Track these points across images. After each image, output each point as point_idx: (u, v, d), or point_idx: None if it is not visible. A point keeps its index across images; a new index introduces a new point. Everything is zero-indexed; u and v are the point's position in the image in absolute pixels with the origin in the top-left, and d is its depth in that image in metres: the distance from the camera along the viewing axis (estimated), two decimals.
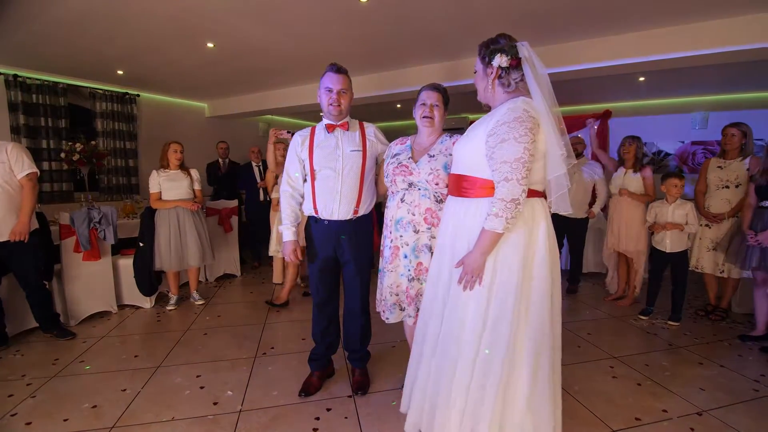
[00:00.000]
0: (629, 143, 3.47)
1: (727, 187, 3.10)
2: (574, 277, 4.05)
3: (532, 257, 1.47)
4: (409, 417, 1.70)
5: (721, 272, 3.16)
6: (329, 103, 1.97)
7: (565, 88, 4.93)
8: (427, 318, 1.68)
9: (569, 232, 3.90)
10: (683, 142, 5.97)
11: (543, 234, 1.47)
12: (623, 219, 3.48)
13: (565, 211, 1.55)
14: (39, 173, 2.80)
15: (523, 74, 1.50)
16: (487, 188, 1.48)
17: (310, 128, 2.09)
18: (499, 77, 1.53)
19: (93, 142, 4.27)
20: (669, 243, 3.13)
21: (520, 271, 1.44)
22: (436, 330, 1.61)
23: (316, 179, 2.01)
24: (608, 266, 3.90)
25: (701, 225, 3.22)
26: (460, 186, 1.58)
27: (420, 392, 1.66)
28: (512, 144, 1.37)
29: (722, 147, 3.18)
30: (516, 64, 1.49)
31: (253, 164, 5.03)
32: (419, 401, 1.66)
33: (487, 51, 1.53)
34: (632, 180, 3.44)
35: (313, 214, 2.05)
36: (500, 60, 1.49)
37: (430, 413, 1.57)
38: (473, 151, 1.50)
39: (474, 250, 1.45)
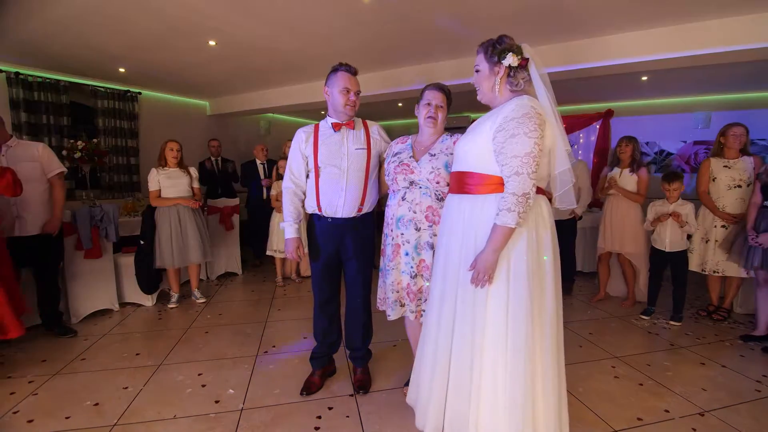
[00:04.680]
0: (626, 143, 3.46)
1: (740, 186, 3.08)
2: (568, 276, 4.02)
3: (542, 254, 1.49)
4: (427, 421, 1.67)
5: (714, 272, 3.14)
6: (346, 103, 1.97)
7: (567, 88, 4.92)
8: (436, 319, 1.65)
9: (558, 233, 3.85)
10: (685, 142, 5.96)
11: (551, 232, 1.52)
12: (621, 220, 3.46)
13: (570, 205, 1.60)
14: (65, 171, 2.98)
15: (528, 74, 1.53)
16: (492, 184, 1.48)
17: (313, 125, 2.09)
18: (508, 76, 1.54)
19: (95, 140, 4.26)
20: (668, 242, 3.13)
21: (533, 270, 1.45)
22: (448, 329, 1.58)
23: (320, 177, 2.00)
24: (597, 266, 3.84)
25: (715, 226, 3.15)
26: (462, 183, 1.57)
27: (438, 394, 1.62)
28: (522, 139, 1.39)
29: (728, 146, 3.15)
30: (525, 64, 1.52)
31: (258, 162, 5.02)
32: (433, 402, 1.64)
33: (496, 50, 1.52)
34: (628, 180, 3.43)
35: (317, 212, 2.05)
36: (511, 59, 1.49)
37: (460, 413, 1.54)
38: (478, 147, 1.51)
39: (486, 247, 1.43)
